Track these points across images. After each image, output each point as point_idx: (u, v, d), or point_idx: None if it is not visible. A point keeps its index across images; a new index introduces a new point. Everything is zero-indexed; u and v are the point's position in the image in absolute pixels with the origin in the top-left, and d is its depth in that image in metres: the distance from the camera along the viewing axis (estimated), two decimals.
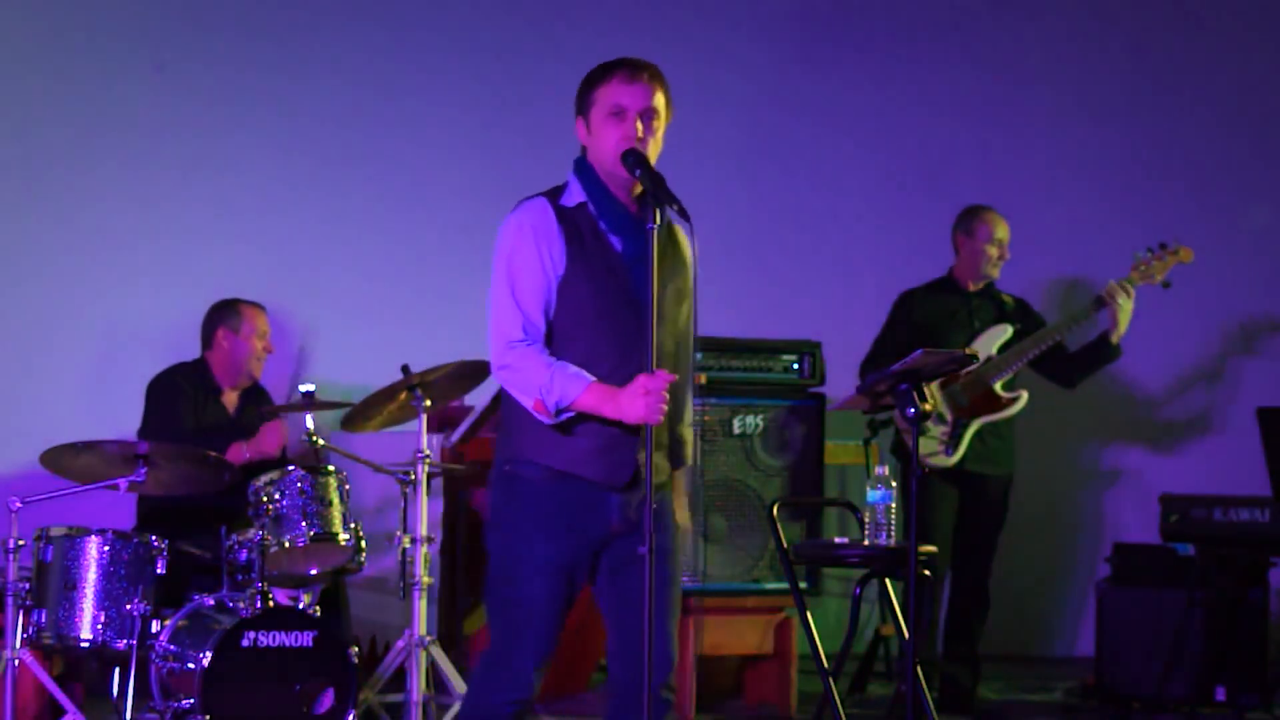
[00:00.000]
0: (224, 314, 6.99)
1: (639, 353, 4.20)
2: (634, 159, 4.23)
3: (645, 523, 4.13)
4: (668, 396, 4.18)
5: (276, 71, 8.32)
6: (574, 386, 4.19)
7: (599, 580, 4.38)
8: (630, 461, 4.27)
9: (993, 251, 7.23)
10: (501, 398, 4.39)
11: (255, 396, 7.03)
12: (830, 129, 9.07)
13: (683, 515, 4.49)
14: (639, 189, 4.27)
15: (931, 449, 7.02)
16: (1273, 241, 9.03)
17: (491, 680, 4.37)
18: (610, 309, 4.26)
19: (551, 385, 4.19)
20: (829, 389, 7.09)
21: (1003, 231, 7.26)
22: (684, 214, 4.22)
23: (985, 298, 7.27)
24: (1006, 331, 7.14)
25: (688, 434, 4.47)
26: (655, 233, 4.19)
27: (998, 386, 7.07)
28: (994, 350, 7.08)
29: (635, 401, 4.14)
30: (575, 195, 4.32)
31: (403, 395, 6.31)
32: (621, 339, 4.26)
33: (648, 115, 4.27)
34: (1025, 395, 7.14)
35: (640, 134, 4.25)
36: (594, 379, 4.20)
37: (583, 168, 4.34)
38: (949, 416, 7.04)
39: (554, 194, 4.34)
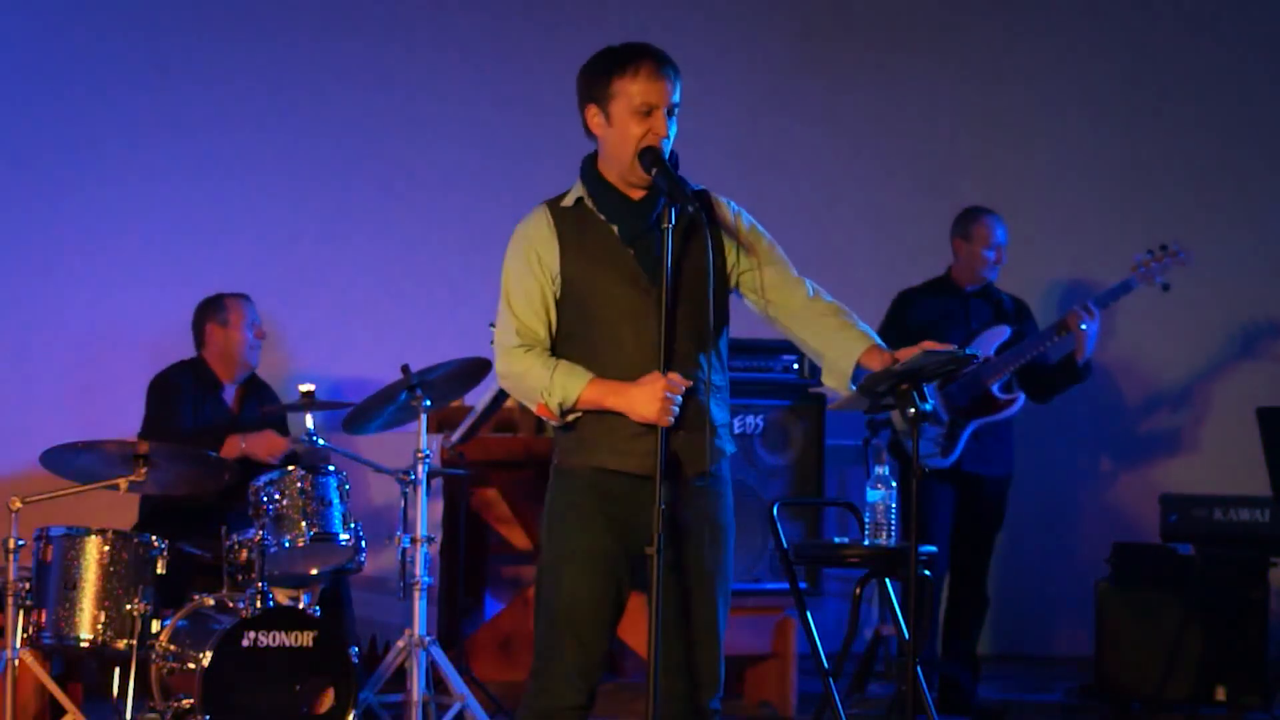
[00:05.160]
0: (209, 309, 7.02)
1: (655, 327, 4.15)
2: (651, 158, 4.17)
3: (655, 521, 4.07)
4: (681, 397, 4.13)
5: (277, 73, 8.32)
6: (574, 384, 4.17)
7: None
8: (667, 449, 4.16)
9: (990, 255, 7.23)
10: None
11: (257, 390, 7.04)
12: (830, 130, 9.07)
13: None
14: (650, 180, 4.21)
15: (927, 450, 7.03)
16: (1272, 242, 9.03)
17: (542, 686, 4.23)
18: (617, 293, 4.22)
19: (551, 386, 4.17)
20: (829, 389, 7.08)
21: (1000, 234, 7.26)
22: (697, 216, 4.16)
23: (982, 298, 7.27)
24: (1004, 332, 7.14)
25: (725, 415, 4.36)
26: (670, 232, 4.16)
27: (994, 388, 7.07)
28: (991, 351, 7.09)
29: (650, 402, 4.11)
30: (575, 194, 4.29)
31: (403, 395, 6.31)
32: (634, 319, 4.21)
33: (673, 110, 4.22)
34: (1022, 397, 7.14)
35: (667, 132, 4.19)
36: (593, 375, 4.17)
37: (585, 162, 4.30)
38: (945, 417, 7.05)
39: (557, 198, 4.32)
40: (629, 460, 4.20)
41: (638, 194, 4.26)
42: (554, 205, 4.30)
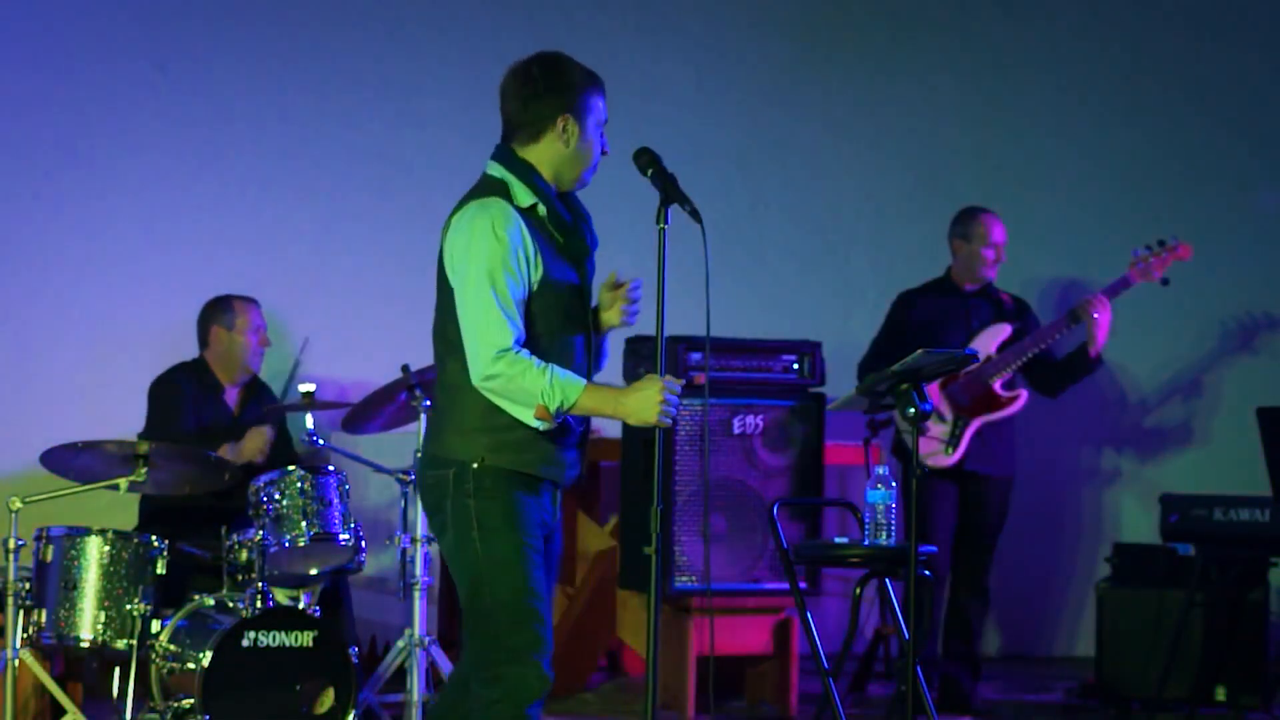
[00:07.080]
0: (216, 310, 7.01)
1: (587, 339, 4.30)
2: (648, 158, 4.27)
3: (652, 520, 4.12)
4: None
5: (277, 72, 8.32)
6: (573, 388, 4.16)
7: None
8: (577, 461, 4.32)
9: (989, 254, 7.24)
10: (448, 400, 4.32)
11: (258, 393, 7.04)
12: (830, 129, 9.07)
13: None
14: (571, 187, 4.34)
15: (932, 449, 7.03)
16: (1272, 239, 9.03)
17: (513, 686, 4.19)
18: (569, 304, 4.27)
19: (553, 389, 4.15)
20: (829, 389, 7.08)
21: (999, 233, 7.26)
22: (695, 215, 4.21)
23: (983, 298, 7.27)
24: (1006, 331, 7.14)
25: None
26: (664, 233, 4.20)
27: (997, 385, 7.08)
28: (993, 349, 7.09)
29: (650, 407, 4.16)
30: (524, 196, 4.29)
31: (402, 395, 6.32)
32: (582, 329, 4.31)
33: None
34: (1025, 395, 7.14)
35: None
36: (586, 380, 4.21)
37: (520, 164, 4.32)
38: (948, 416, 7.05)
39: (505, 193, 4.30)
40: (558, 471, 4.28)
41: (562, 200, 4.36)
42: (509, 201, 4.28)
